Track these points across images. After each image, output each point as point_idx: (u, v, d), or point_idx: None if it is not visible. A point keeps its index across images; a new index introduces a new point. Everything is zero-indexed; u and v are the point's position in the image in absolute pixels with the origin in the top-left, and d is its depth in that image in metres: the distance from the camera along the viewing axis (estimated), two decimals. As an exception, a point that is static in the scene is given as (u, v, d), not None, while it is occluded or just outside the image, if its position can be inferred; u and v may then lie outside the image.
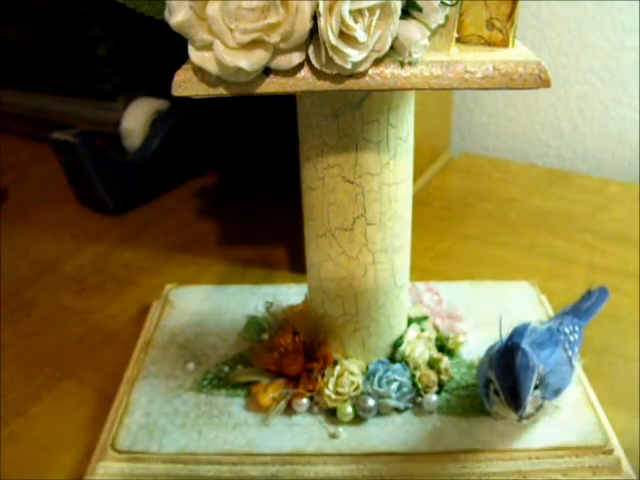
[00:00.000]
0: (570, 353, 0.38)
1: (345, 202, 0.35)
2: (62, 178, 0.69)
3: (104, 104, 0.78)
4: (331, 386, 0.39)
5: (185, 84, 0.28)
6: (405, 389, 0.39)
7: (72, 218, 0.68)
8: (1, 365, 0.47)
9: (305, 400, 0.39)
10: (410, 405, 0.40)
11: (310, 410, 0.40)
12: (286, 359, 0.40)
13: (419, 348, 0.41)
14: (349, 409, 0.39)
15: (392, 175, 0.35)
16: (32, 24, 0.79)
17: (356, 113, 0.32)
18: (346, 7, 0.25)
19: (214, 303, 0.49)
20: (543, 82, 0.28)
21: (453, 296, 0.49)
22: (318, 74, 0.27)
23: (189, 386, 0.42)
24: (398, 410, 0.39)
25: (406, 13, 0.27)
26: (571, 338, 0.38)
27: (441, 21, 0.27)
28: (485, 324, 0.45)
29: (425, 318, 0.43)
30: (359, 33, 0.26)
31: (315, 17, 0.25)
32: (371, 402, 0.39)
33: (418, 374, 0.40)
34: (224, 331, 0.46)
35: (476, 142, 0.84)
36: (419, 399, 0.40)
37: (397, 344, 0.41)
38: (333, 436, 0.38)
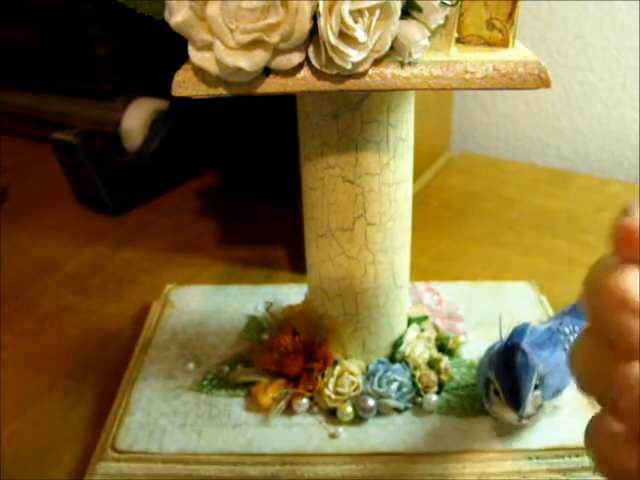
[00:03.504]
0: (570, 353, 0.37)
1: (345, 202, 0.35)
2: (62, 178, 0.69)
3: (104, 104, 0.78)
4: (331, 386, 0.39)
5: (185, 84, 0.28)
6: (405, 389, 0.39)
7: (72, 218, 0.68)
8: (1, 365, 0.47)
9: (305, 400, 0.39)
10: (410, 405, 0.40)
11: (310, 410, 0.40)
12: (286, 359, 0.40)
13: (419, 348, 0.41)
14: (349, 409, 0.39)
15: (392, 175, 0.35)
16: (32, 24, 0.79)
17: (356, 113, 0.32)
18: (346, 7, 0.25)
19: (214, 303, 0.49)
20: (543, 82, 0.28)
21: (453, 296, 0.48)
22: (318, 74, 0.27)
23: (189, 386, 0.42)
24: (398, 410, 0.39)
25: (406, 13, 0.27)
26: (571, 338, 0.38)
27: (441, 21, 0.27)
28: (485, 324, 0.45)
29: (425, 318, 0.43)
30: (359, 33, 0.26)
31: (315, 17, 0.25)
32: (371, 402, 0.39)
33: (418, 374, 0.40)
34: (224, 331, 0.46)
35: (476, 142, 0.84)
36: (419, 399, 0.40)
37: (397, 344, 0.41)
38: (333, 436, 0.38)
